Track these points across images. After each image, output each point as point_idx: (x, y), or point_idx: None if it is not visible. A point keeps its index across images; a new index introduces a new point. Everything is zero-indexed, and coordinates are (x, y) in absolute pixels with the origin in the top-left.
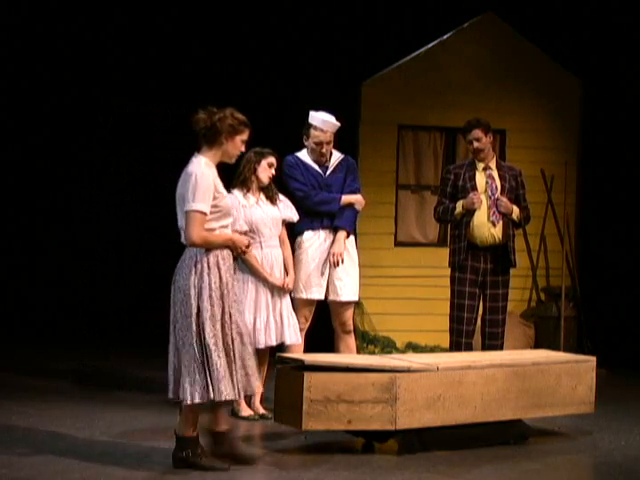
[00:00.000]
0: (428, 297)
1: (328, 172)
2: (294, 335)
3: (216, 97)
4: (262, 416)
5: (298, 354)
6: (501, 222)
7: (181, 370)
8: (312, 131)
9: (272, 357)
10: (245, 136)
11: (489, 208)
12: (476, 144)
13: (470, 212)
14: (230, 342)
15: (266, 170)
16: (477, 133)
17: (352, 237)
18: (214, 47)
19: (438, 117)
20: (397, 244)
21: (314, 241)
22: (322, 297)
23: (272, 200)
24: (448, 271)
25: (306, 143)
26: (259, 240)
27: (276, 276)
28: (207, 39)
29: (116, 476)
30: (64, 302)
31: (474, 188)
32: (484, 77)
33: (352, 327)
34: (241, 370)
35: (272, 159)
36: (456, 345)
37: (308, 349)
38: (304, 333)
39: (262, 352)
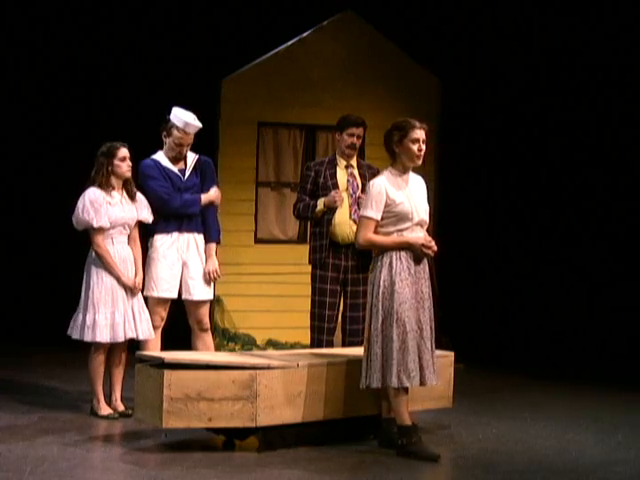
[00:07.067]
0: (288, 294)
1: (187, 175)
2: (147, 330)
3: (76, 92)
4: (122, 413)
5: (157, 352)
6: None
7: (383, 359)
8: (174, 131)
9: (130, 354)
10: (416, 134)
11: (351, 206)
12: (357, 141)
13: (332, 210)
14: (416, 334)
15: (121, 167)
16: (362, 131)
17: (202, 235)
18: (77, 42)
19: (298, 114)
20: (257, 241)
21: (166, 240)
22: (175, 296)
23: (132, 198)
24: (308, 268)
25: (165, 140)
26: (112, 236)
27: (126, 273)
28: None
29: None
30: None
31: (335, 186)
32: (344, 75)
33: (209, 325)
34: (418, 362)
35: (122, 154)
36: (317, 342)
37: (165, 347)
38: (159, 331)
39: (119, 349)
